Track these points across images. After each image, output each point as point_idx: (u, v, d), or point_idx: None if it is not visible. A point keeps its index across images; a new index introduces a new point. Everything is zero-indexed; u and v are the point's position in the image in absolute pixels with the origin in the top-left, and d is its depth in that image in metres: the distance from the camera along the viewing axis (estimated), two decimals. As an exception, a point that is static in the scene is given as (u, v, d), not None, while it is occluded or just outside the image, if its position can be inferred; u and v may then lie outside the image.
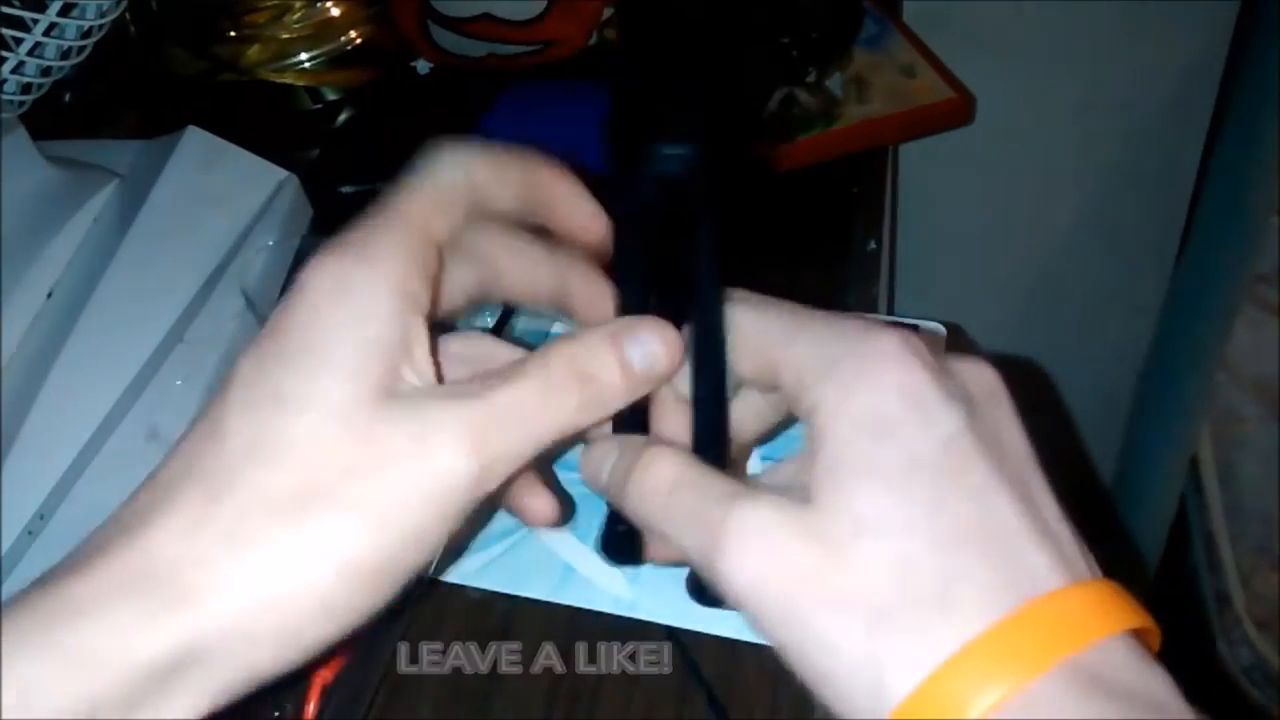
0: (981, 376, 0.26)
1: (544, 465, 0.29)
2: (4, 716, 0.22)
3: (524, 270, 0.30)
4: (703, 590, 0.26)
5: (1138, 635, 0.23)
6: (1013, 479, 0.24)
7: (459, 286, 0.29)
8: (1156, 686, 0.23)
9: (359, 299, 0.25)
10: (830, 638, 0.23)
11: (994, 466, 0.24)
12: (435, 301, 0.27)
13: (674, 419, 0.29)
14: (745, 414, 0.30)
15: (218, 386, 0.25)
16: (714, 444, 0.28)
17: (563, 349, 0.27)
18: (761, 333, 0.27)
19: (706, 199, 0.28)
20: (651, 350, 0.27)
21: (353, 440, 0.24)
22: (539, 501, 0.31)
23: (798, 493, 0.24)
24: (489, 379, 0.26)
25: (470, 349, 0.29)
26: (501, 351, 0.30)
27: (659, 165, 0.27)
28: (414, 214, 0.27)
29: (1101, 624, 0.23)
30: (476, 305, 0.31)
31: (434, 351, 0.26)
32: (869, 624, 0.22)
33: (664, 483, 0.26)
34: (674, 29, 0.28)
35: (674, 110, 0.27)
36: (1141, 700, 0.22)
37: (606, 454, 0.28)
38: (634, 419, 0.29)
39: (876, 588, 0.22)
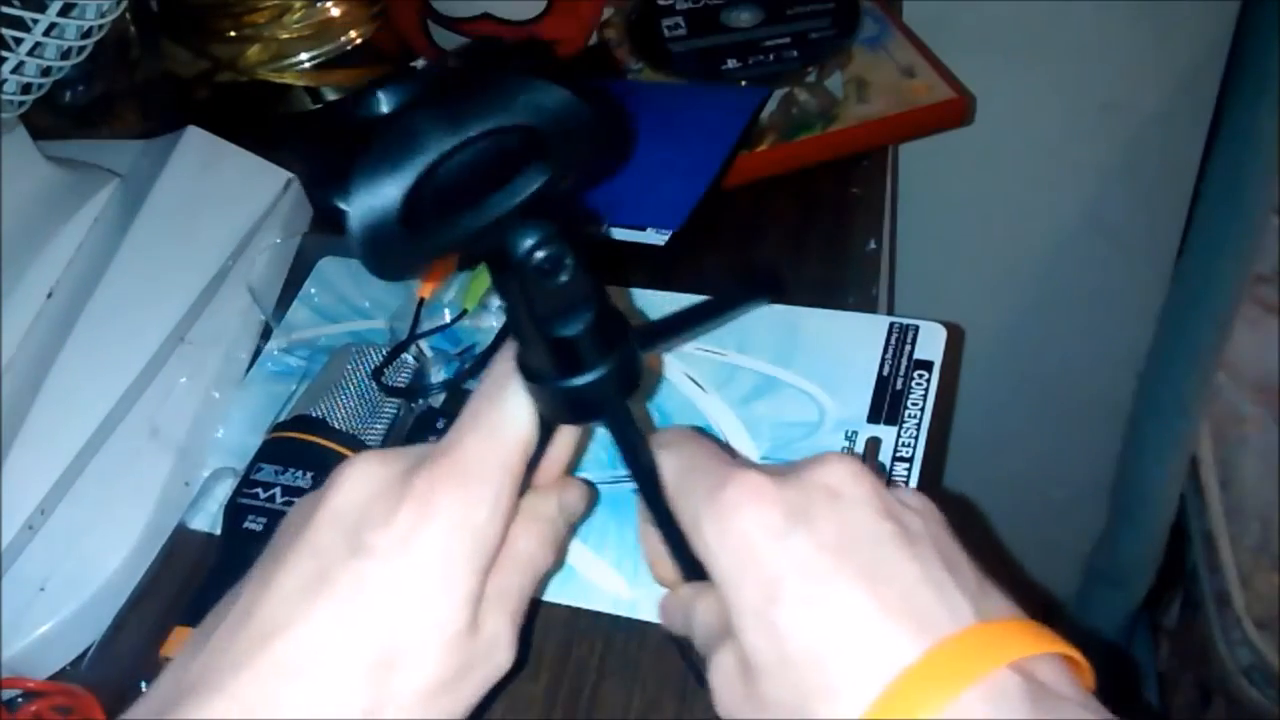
0: (831, 474, 0.29)
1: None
2: None
3: None
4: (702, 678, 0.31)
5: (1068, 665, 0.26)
6: (870, 568, 0.27)
7: None
8: (1081, 692, 0.26)
9: (479, 534, 0.30)
10: None
11: (846, 564, 0.27)
12: None
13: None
14: None
15: (334, 572, 0.29)
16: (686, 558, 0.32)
17: (531, 526, 0.33)
18: (674, 498, 0.32)
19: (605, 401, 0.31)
20: (572, 502, 0.35)
21: (455, 656, 0.29)
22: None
23: None
24: (502, 580, 0.32)
25: None
26: None
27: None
28: (506, 454, 0.31)
29: (1023, 646, 0.25)
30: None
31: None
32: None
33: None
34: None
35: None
36: (1072, 701, 0.25)
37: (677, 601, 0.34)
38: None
39: (784, 689, 0.27)
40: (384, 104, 0.25)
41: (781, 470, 0.30)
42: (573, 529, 0.37)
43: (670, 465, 0.32)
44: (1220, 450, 0.86)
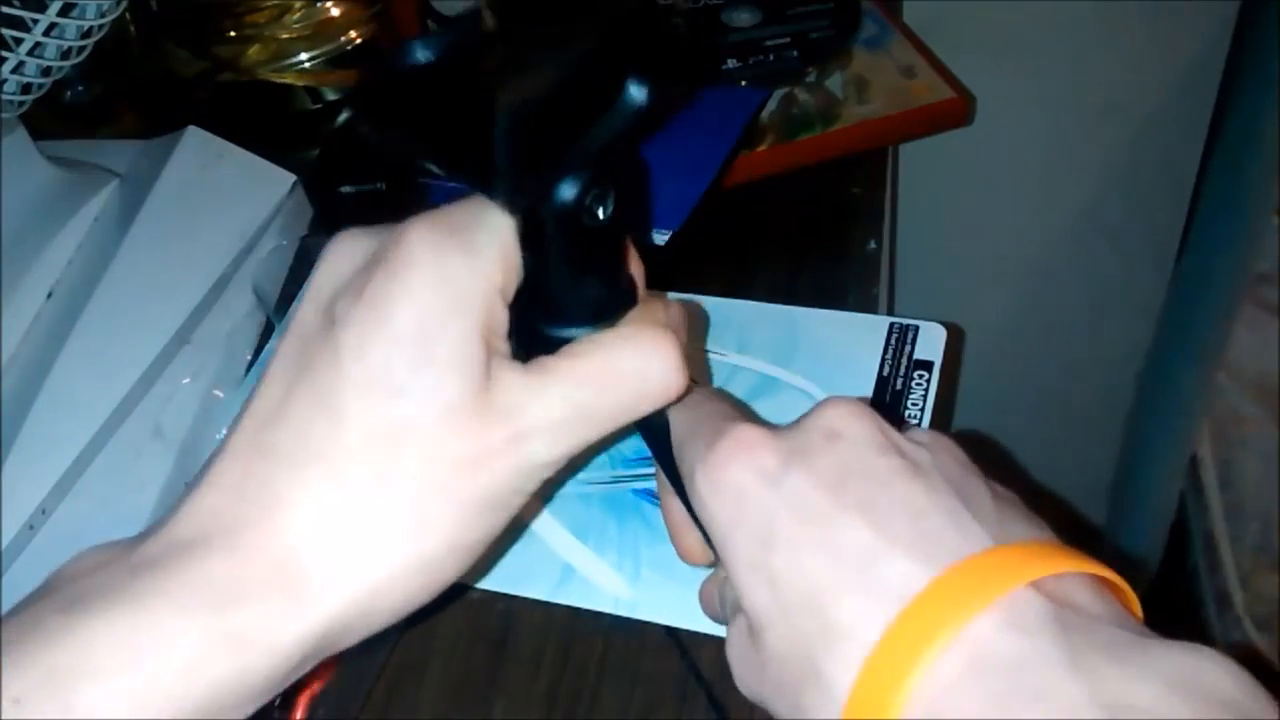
0: (831, 415, 0.27)
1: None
2: (169, 688, 0.24)
3: None
4: None
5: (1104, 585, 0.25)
6: (873, 501, 0.25)
7: None
8: (1116, 610, 0.24)
9: (459, 290, 0.26)
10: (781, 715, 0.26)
11: (847, 499, 0.25)
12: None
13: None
14: None
15: (304, 336, 0.27)
16: None
17: (629, 336, 0.29)
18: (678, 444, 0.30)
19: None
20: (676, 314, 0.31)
21: (462, 435, 0.26)
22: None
23: None
24: (567, 370, 0.28)
25: None
26: None
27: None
28: (496, 218, 0.28)
29: (1046, 565, 0.23)
30: None
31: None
32: (794, 705, 0.25)
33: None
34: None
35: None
36: (1104, 620, 0.23)
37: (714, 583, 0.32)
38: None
39: (785, 673, 0.25)
40: (422, 52, 0.25)
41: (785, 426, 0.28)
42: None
43: (678, 424, 0.30)
44: (1220, 450, 0.86)
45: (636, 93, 0.26)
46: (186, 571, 0.25)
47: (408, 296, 0.26)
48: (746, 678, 0.27)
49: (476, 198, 0.28)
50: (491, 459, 0.26)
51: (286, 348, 0.28)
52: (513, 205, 0.27)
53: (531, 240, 0.28)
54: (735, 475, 0.27)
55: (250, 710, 0.25)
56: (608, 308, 0.30)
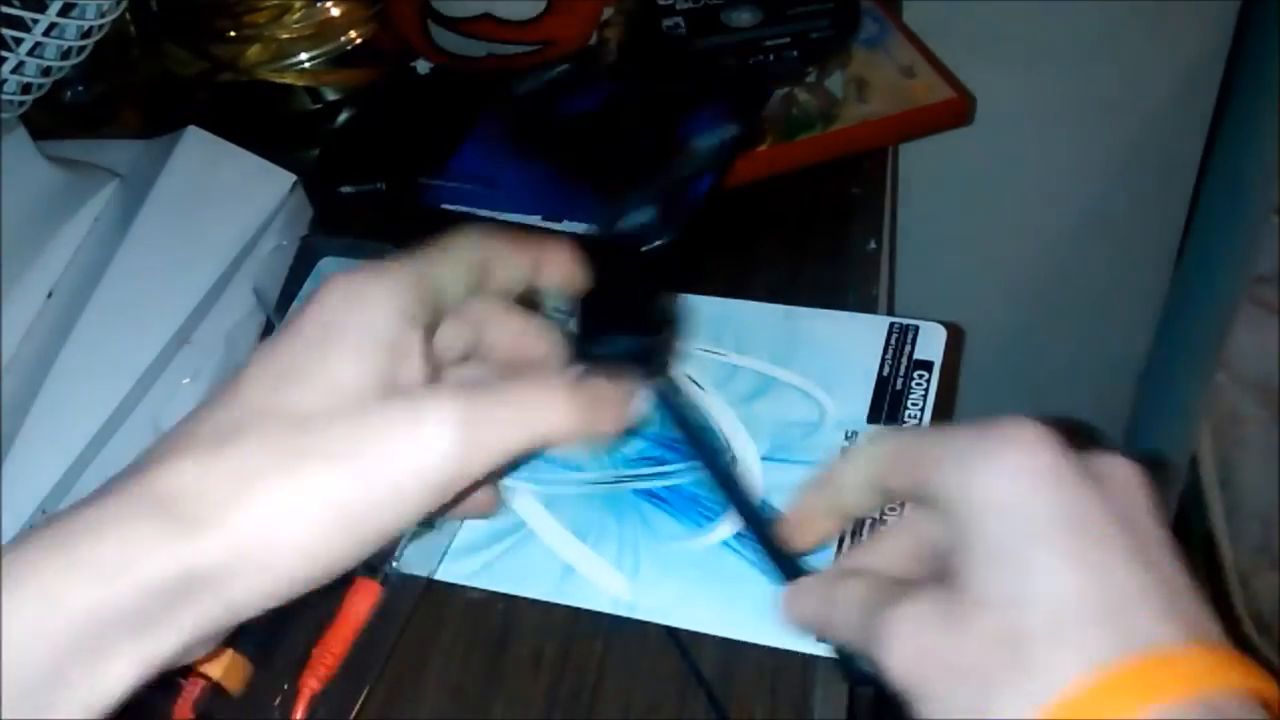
0: (1116, 464, 0.29)
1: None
2: (28, 622, 0.24)
3: (506, 339, 0.35)
4: (850, 664, 0.31)
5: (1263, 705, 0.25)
6: (1136, 550, 0.26)
7: (450, 343, 0.34)
8: None
9: (367, 307, 0.29)
10: (954, 704, 0.26)
11: (1116, 538, 0.26)
12: (430, 345, 0.31)
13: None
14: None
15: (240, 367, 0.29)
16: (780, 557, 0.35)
17: (567, 375, 0.32)
18: (908, 448, 0.31)
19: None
20: (608, 395, 0.33)
21: (353, 411, 0.28)
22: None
23: (938, 574, 0.29)
24: (484, 383, 0.31)
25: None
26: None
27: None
28: (420, 257, 0.31)
29: (1219, 679, 0.25)
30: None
31: (430, 372, 0.30)
32: (981, 690, 0.25)
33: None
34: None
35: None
36: None
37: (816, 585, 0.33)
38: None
39: (991, 657, 0.26)
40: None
41: None
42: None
43: (888, 442, 0.31)
44: (1220, 450, 0.86)
45: (727, 132, 0.30)
46: (64, 517, 0.26)
47: (319, 313, 0.29)
48: (918, 653, 0.27)
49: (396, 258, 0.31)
50: (384, 432, 0.28)
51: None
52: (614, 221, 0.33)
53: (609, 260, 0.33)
54: (1023, 459, 0.27)
55: (130, 652, 0.25)
56: (654, 321, 0.35)
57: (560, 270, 0.35)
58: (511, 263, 0.34)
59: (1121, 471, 0.28)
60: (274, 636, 0.40)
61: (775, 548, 0.35)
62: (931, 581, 0.29)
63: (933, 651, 0.27)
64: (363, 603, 0.40)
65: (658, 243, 0.32)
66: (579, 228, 0.56)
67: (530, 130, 0.30)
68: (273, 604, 0.27)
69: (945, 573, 0.28)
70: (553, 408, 0.30)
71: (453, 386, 0.30)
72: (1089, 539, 0.26)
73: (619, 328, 0.34)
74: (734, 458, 0.45)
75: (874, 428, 0.45)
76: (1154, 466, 0.30)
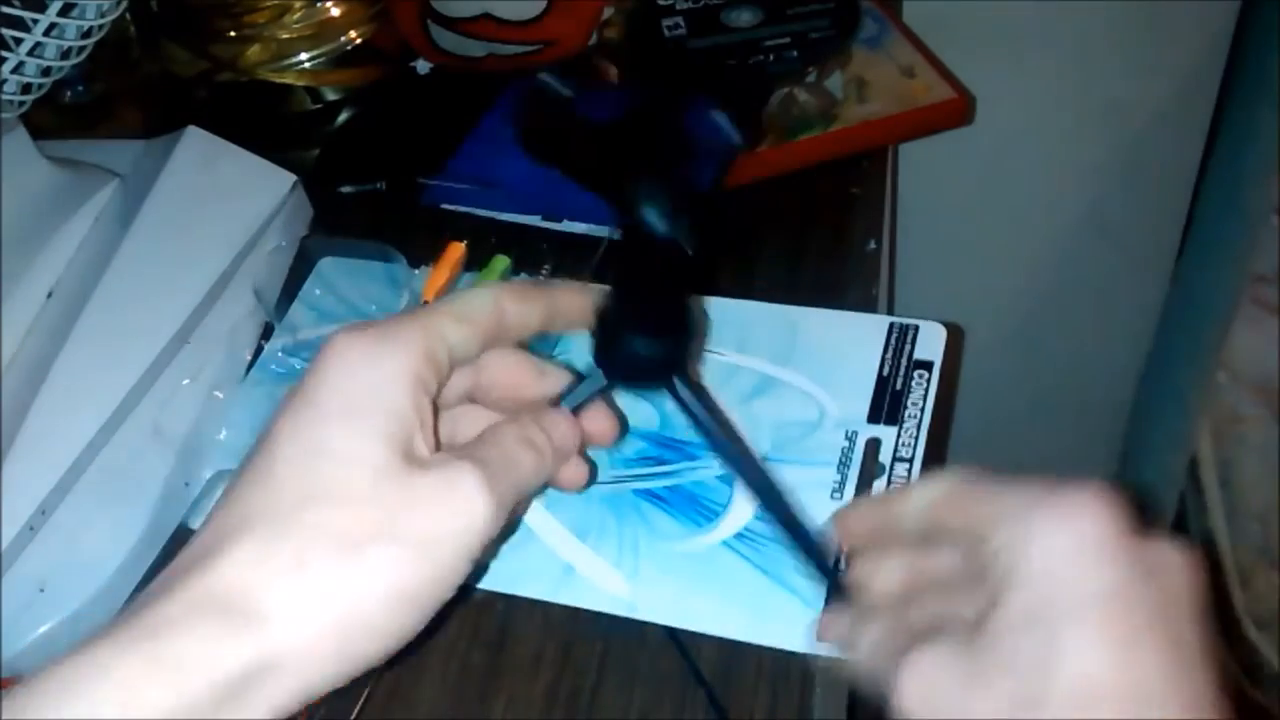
0: (1168, 551, 0.29)
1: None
2: (114, 716, 0.25)
3: (504, 379, 0.36)
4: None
5: None
6: (1169, 644, 0.27)
7: (455, 390, 0.35)
8: None
9: (385, 380, 0.30)
10: None
11: (1153, 629, 0.27)
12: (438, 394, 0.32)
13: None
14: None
15: (257, 443, 0.30)
16: (813, 552, 0.37)
17: (511, 425, 0.33)
18: (974, 489, 0.31)
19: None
20: (563, 432, 0.34)
21: (392, 487, 0.28)
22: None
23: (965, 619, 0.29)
24: (476, 446, 0.32)
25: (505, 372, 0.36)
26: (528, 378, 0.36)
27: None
28: (434, 319, 0.32)
29: None
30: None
31: (436, 429, 0.31)
32: None
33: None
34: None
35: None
36: None
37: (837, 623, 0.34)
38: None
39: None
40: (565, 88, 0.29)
41: None
42: (562, 459, 0.35)
43: (948, 484, 0.32)
44: (1220, 450, 0.86)
45: (730, 134, 0.31)
46: (135, 615, 0.27)
47: (336, 380, 0.29)
48: (933, 699, 0.28)
49: (406, 313, 0.32)
50: (427, 506, 0.29)
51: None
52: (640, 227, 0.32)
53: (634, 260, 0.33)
54: (1086, 528, 0.28)
55: None
56: (677, 323, 0.35)
57: (575, 317, 0.35)
58: (525, 317, 0.34)
59: (1172, 560, 0.28)
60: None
61: (810, 548, 0.36)
62: (936, 605, 0.30)
63: (948, 702, 0.27)
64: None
65: (675, 244, 0.32)
66: (579, 227, 0.56)
67: (547, 144, 0.30)
68: (345, 681, 0.28)
69: (963, 619, 0.29)
70: (525, 458, 0.32)
71: (471, 456, 0.30)
72: (1126, 625, 0.26)
73: (643, 331, 0.34)
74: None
75: (874, 427, 0.45)
76: (1144, 499, 0.30)
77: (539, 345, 0.49)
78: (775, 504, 0.37)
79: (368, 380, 0.30)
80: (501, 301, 0.33)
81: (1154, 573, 0.28)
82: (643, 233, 0.31)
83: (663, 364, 0.36)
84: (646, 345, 0.35)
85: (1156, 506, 0.92)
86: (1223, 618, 0.82)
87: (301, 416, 0.29)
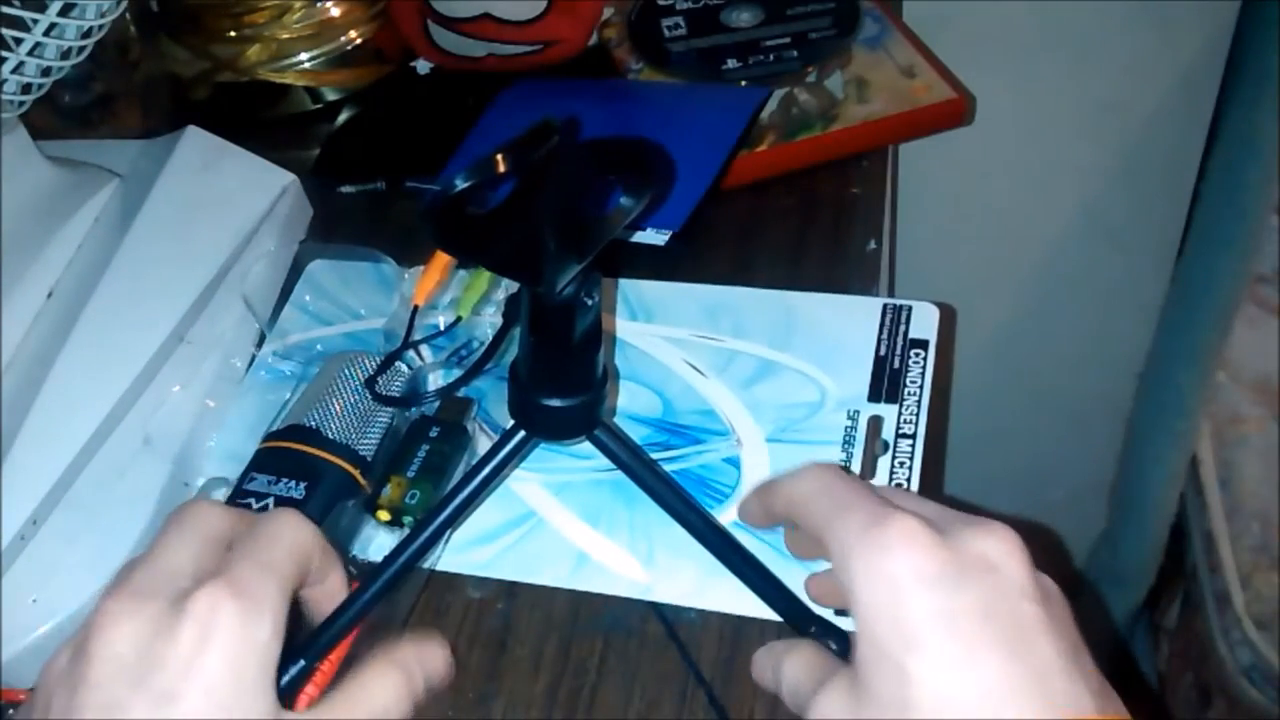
0: (989, 542, 0.30)
1: None
2: None
3: (313, 594, 0.35)
4: None
5: None
6: (1009, 642, 0.28)
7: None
8: None
9: (254, 639, 0.29)
10: None
11: (988, 634, 0.28)
12: None
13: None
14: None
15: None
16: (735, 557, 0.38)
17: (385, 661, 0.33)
18: (819, 499, 0.32)
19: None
20: (434, 664, 0.34)
21: None
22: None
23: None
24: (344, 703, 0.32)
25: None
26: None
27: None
28: (278, 581, 0.31)
29: None
30: None
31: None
32: None
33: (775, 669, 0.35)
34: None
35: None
36: None
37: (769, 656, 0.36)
38: None
39: None
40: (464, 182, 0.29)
41: (937, 520, 0.30)
42: (427, 690, 0.35)
43: (806, 488, 0.33)
44: (1220, 450, 0.86)
45: (627, 203, 0.32)
46: None
47: (222, 664, 0.29)
48: None
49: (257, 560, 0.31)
50: None
51: None
52: (548, 297, 0.32)
53: (540, 321, 0.33)
54: (895, 566, 0.29)
55: None
56: (591, 381, 0.35)
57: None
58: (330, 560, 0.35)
59: (994, 549, 0.29)
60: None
61: (746, 571, 0.38)
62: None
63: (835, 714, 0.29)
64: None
65: (589, 302, 0.33)
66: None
67: (452, 238, 0.30)
68: None
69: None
70: (391, 692, 0.32)
71: (319, 708, 0.31)
72: (961, 641, 0.28)
73: (559, 393, 0.35)
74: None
75: (875, 406, 0.46)
76: (1035, 533, 0.31)
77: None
78: (708, 535, 0.38)
79: (242, 650, 0.29)
80: (308, 539, 0.33)
81: (980, 573, 0.29)
82: (541, 296, 0.32)
83: (582, 423, 0.36)
84: (564, 407, 0.35)
85: (1156, 507, 0.92)
86: (1222, 617, 0.82)
87: (182, 707, 0.28)
